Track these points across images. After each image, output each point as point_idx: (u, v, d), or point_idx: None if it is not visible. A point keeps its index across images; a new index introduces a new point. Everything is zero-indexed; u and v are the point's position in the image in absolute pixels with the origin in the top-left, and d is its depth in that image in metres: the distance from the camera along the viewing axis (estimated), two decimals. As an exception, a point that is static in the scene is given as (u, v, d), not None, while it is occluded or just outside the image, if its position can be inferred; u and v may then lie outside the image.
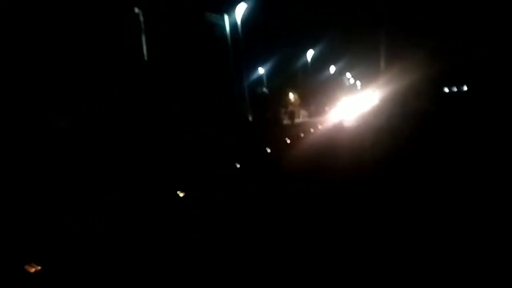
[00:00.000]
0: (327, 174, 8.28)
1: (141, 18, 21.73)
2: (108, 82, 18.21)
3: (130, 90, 19.34)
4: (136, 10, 21.60)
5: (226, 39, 27.17)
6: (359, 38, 60.03)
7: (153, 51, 22.06)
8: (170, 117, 21.20)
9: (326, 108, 54.28)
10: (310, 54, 49.29)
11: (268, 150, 14.26)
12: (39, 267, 4.30)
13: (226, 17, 28.31)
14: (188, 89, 22.99)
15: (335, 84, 61.25)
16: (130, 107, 18.97)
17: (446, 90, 32.17)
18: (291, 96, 42.91)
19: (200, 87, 23.92)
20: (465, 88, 31.24)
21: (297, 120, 40.33)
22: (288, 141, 17.68)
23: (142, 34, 21.84)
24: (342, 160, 10.27)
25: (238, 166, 10.37)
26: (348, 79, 70.82)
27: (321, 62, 53.59)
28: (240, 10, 29.17)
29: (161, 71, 22.39)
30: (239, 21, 28.86)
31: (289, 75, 44.27)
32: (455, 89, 32.42)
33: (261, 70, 41.22)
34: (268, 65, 41.54)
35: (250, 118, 29.21)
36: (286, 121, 37.65)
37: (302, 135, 21.16)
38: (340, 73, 64.39)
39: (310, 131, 23.42)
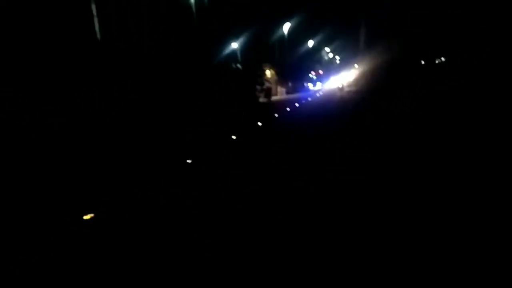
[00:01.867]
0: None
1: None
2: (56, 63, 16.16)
3: (81, 71, 17.28)
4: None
5: (190, 7, 24.64)
6: (339, 12, 57.92)
7: (107, 25, 19.60)
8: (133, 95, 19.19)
9: (305, 84, 53.95)
10: (286, 27, 46.83)
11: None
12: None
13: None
14: (150, 65, 20.70)
15: (313, 59, 59.13)
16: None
17: (423, 62, 31.91)
18: (268, 72, 40.60)
19: (162, 64, 21.58)
20: (443, 59, 33.69)
21: (274, 98, 38.29)
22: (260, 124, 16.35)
23: (92, 5, 19.30)
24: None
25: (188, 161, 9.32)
26: (327, 53, 68.58)
27: (298, 36, 51.27)
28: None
29: (118, 48, 20.05)
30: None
31: (265, 49, 41.83)
32: (437, 61, 32.91)
33: (234, 45, 38.72)
34: (242, 39, 39.01)
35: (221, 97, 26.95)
36: (262, 99, 35.52)
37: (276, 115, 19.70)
38: (318, 47, 62.13)
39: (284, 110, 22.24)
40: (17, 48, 14.63)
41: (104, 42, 19.51)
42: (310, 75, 61.60)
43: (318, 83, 61.56)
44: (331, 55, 70.55)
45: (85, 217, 5.51)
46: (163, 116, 19.63)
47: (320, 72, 64.65)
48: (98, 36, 19.26)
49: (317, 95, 36.47)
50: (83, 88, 16.99)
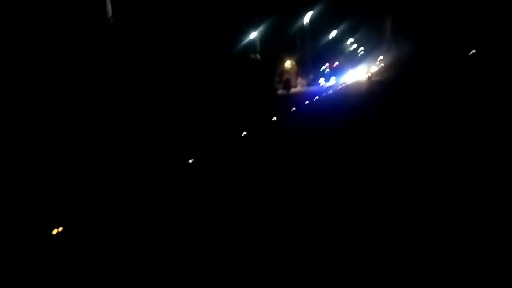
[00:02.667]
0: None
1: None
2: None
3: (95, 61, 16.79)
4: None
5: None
6: (363, 1, 55.82)
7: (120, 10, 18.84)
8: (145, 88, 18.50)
9: (316, 79, 49.97)
10: (308, 16, 45.29)
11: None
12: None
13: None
14: (164, 54, 19.81)
15: (336, 50, 57.34)
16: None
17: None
18: (287, 62, 39.21)
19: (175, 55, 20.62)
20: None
21: (293, 90, 37.06)
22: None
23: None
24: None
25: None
26: (351, 44, 66.49)
27: (321, 26, 49.63)
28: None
29: (131, 35, 19.20)
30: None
31: (285, 39, 40.43)
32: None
33: (253, 35, 37.47)
34: (262, 28, 37.70)
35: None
36: (281, 91, 34.30)
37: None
38: (341, 38, 60.25)
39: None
40: (16, 48, 14.37)
41: (113, 29, 18.73)
42: (323, 68, 53.26)
43: (332, 78, 51.83)
44: (354, 46, 68.33)
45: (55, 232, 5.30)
46: (175, 110, 18.94)
47: (336, 64, 57.06)
48: (105, 29, 18.57)
49: (327, 93, 31.74)
50: (84, 86, 16.51)
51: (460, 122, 9.45)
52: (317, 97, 25.63)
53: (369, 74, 44.62)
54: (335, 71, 54.40)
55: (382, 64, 55.31)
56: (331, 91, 32.08)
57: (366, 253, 3.63)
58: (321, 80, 48.63)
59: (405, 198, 4.83)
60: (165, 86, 20.66)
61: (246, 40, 35.25)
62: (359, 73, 57.03)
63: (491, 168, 5.46)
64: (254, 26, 36.20)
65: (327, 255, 3.71)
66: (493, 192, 4.72)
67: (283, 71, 37.43)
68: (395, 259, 3.52)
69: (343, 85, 42.54)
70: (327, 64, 53.59)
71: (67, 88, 15.68)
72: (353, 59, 63.61)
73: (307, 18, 45.44)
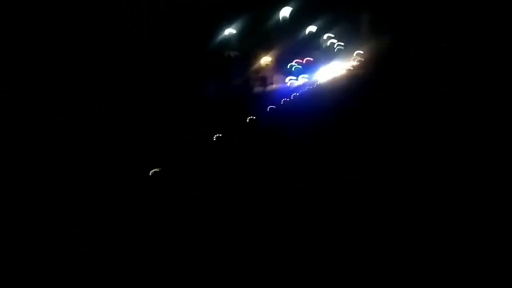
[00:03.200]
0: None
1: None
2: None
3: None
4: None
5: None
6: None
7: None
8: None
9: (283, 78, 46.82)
10: (287, 11, 44.47)
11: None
12: None
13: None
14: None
15: (313, 45, 56.79)
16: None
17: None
18: (264, 59, 38.34)
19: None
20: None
21: (270, 87, 36.25)
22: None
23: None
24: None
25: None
26: (328, 39, 66.09)
27: (298, 21, 48.91)
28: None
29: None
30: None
31: (262, 36, 39.55)
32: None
33: (229, 30, 36.45)
34: (238, 24, 36.70)
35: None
36: (256, 88, 33.45)
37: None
38: (318, 33, 59.71)
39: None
40: (12, 48, 14.38)
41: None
42: (291, 64, 46.31)
43: (302, 76, 45.92)
44: (332, 41, 68.04)
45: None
46: (138, 115, 18.30)
47: (308, 59, 50.16)
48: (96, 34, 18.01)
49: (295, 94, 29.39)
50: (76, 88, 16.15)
51: (449, 120, 9.35)
52: (283, 100, 23.61)
53: (346, 70, 43.51)
54: (305, 68, 48.02)
55: (360, 59, 53.83)
56: (297, 93, 30.02)
57: (350, 259, 3.50)
58: (288, 79, 42.41)
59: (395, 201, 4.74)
60: (140, 87, 19.89)
61: (221, 36, 34.30)
62: (335, 69, 55.63)
63: (484, 168, 5.51)
64: (230, 22, 35.25)
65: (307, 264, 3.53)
66: (486, 190, 4.85)
67: (259, 68, 36.58)
68: (385, 263, 3.47)
69: (315, 84, 40.20)
70: (296, 60, 46.93)
71: (57, 90, 15.56)
72: (328, 54, 62.54)
73: (284, 12, 44.67)
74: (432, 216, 4.21)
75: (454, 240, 3.45)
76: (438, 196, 4.74)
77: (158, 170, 7.90)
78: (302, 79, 43.08)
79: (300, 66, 46.28)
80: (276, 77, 42.32)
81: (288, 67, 44.49)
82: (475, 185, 4.79)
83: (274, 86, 38.74)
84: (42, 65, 15.00)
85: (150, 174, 7.64)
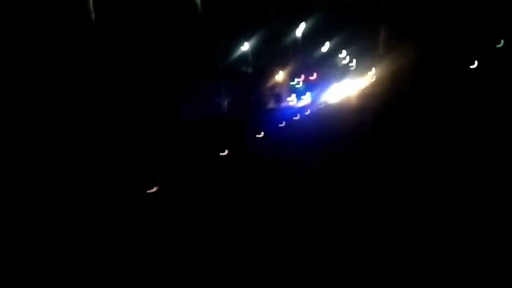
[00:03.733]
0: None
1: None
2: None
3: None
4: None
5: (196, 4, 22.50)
6: (357, 11, 55.21)
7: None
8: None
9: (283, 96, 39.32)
10: (301, 28, 44.48)
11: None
12: None
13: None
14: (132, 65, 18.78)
15: (329, 62, 56.45)
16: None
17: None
18: (280, 75, 38.14)
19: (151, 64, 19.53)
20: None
21: (285, 103, 36.05)
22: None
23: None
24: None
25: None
26: (343, 57, 65.79)
27: (314, 38, 48.76)
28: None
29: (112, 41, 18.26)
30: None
31: (278, 52, 39.45)
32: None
33: (245, 47, 36.45)
34: (254, 40, 36.65)
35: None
36: (271, 105, 33.20)
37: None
38: (335, 51, 59.43)
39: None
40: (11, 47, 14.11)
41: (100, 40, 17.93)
42: (295, 81, 41.04)
43: (307, 95, 40.69)
44: (347, 59, 67.65)
45: None
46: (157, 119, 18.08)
47: (314, 76, 44.60)
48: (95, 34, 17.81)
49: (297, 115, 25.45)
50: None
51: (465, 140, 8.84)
52: (281, 123, 21.04)
53: (359, 90, 41.43)
54: (311, 86, 42.74)
55: (375, 77, 50.65)
56: (298, 114, 26.64)
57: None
58: (292, 98, 38.08)
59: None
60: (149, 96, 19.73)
61: (237, 52, 34.25)
62: (346, 88, 50.55)
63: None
64: (246, 37, 35.24)
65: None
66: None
67: (275, 84, 36.38)
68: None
69: (323, 104, 36.66)
70: (302, 77, 42.06)
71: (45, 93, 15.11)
72: (340, 71, 60.77)
73: (300, 29, 44.66)
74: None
75: (453, 240, 3.67)
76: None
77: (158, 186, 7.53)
78: (306, 98, 39.17)
79: (303, 84, 41.76)
80: (287, 94, 41.70)
81: (293, 84, 40.54)
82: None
83: (283, 103, 38.17)
84: (25, 67, 14.68)
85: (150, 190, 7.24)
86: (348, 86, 51.59)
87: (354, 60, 68.10)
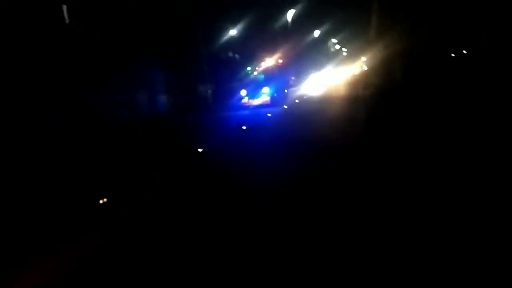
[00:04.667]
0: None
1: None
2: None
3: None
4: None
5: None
6: (347, 1, 54.08)
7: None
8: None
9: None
10: (290, 14, 43.28)
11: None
12: None
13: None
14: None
15: (319, 50, 55.43)
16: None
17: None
18: (267, 62, 36.99)
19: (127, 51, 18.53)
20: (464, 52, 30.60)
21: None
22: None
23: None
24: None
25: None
26: (334, 44, 64.81)
27: (303, 24, 47.65)
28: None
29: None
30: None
31: (266, 38, 38.22)
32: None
33: (232, 32, 35.25)
34: (240, 26, 35.39)
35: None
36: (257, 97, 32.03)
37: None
38: (324, 38, 58.36)
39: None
40: None
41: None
42: (249, 69, 28.39)
43: (265, 91, 26.29)
44: (337, 46, 66.67)
45: None
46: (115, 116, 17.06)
47: (281, 62, 30.16)
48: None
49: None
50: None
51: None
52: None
53: (347, 79, 38.33)
54: (276, 77, 27.54)
55: (365, 67, 47.61)
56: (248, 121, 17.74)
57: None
58: (243, 94, 25.98)
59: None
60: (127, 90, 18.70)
61: (223, 38, 33.09)
62: (333, 77, 44.53)
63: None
64: (233, 24, 34.06)
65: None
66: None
67: (263, 70, 35.17)
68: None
69: (292, 105, 24.59)
70: (262, 63, 28.59)
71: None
72: (333, 59, 58.93)
73: (289, 15, 43.47)
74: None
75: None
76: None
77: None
78: (264, 97, 25.80)
79: (262, 74, 27.45)
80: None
81: (246, 72, 27.84)
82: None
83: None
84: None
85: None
86: (335, 74, 49.61)
87: (343, 48, 67.15)
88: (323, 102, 24.87)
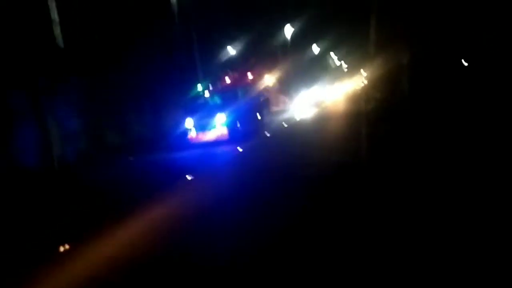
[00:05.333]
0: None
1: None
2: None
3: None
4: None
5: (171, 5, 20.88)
6: (346, 15, 53.97)
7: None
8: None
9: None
10: (289, 30, 43.09)
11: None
12: None
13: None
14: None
15: (319, 65, 55.06)
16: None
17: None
18: (268, 79, 36.56)
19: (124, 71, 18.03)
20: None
21: (275, 109, 34.47)
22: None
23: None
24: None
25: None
26: (333, 60, 64.57)
27: (302, 40, 47.42)
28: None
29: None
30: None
31: (265, 55, 37.85)
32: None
33: (230, 50, 34.88)
34: (239, 43, 35.07)
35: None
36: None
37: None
38: (324, 53, 58.08)
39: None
40: None
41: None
42: (199, 86, 19.75)
43: (220, 118, 17.15)
44: (337, 62, 66.38)
45: None
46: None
47: (248, 76, 22.85)
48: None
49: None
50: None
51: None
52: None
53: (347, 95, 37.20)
54: (239, 98, 19.45)
55: (365, 81, 46.12)
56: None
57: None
58: (189, 123, 17.59)
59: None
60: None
61: (222, 55, 32.74)
62: (328, 95, 41.60)
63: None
64: (231, 40, 33.72)
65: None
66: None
67: (263, 89, 34.71)
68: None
69: (278, 132, 19.50)
70: (224, 78, 21.74)
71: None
72: (332, 74, 58.26)
73: (288, 31, 43.23)
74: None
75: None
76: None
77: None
78: (218, 128, 17.19)
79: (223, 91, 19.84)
80: (281, 99, 40.32)
81: (195, 90, 19.64)
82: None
83: (279, 108, 36.75)
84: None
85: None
86: (336, 89, 48.60)
87: (342, 62, 66.84)
88: (321, 123, 21.20)
